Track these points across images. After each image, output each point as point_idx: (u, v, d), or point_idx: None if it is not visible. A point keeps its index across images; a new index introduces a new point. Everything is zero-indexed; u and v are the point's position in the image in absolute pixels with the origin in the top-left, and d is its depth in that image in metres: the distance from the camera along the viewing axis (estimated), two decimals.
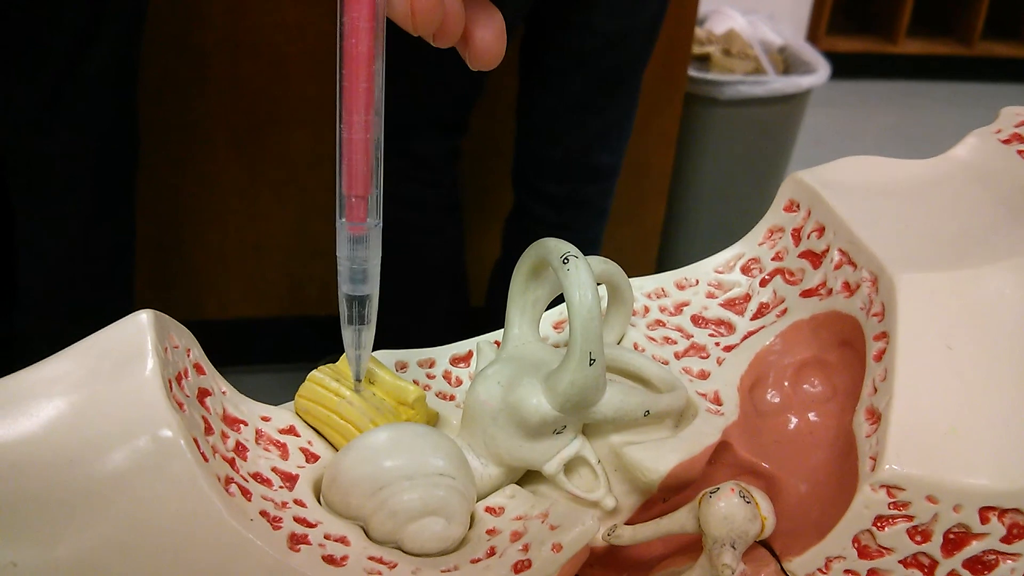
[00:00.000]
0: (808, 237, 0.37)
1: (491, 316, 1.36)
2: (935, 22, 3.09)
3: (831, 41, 2.82)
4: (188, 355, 0.30)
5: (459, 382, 0.36)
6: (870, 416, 0.31)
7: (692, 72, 1.70)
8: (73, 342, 0.27)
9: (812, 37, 2.79)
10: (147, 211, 1.27)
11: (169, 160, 1.33)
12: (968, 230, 0.35)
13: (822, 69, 1.89)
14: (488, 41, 0.30)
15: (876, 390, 0.31)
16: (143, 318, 0.28)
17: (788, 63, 1.99)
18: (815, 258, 0.37)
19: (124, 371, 0.27)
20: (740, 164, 1.83)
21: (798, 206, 0.38)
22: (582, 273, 0.29)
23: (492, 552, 0.29)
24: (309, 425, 0.33)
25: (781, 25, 2.14)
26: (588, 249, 1.30)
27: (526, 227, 1.23)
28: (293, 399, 0.33)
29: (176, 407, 0.27)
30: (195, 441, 0.27)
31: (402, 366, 0.36)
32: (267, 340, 1.51)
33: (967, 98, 3.05)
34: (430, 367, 0.37)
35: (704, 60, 1.88)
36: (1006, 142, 0.39)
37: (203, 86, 1.30)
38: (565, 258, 0.30)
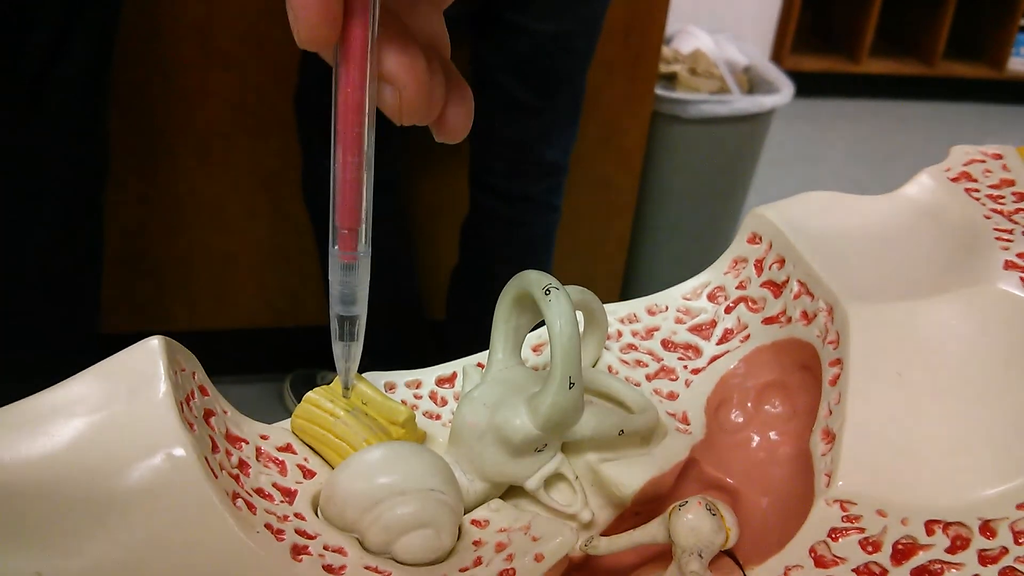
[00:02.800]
0: (769, 268, 0.40)
1: (452, 328, 1.40)
2: (898, 42, 3.16)
3: (795, 60, 2.88)
4: (194, 378, 0.32)
5: (444, 402, 0.39)
6: (825, 436, 0.34)
7: (658, 90, 1.74)
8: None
9: (777, 56, 2.84)
10: (116, 222, 1.28)
11: (138, 171, 1.34)
12: (918, 264, 0.37)
13: (785, 89, 1.93)
14: (460, 119, 0.31)
15: (831, 412, 0.34)
16: (155, 343, 0.30)
17: (753, 82, 2.03)
18: (776, 288, 0.39)
19: (139, 393, 0.29)
20: (705, 181, 1.87)
21: (760, 239, 0.41)
22: (563, 303, 0.32)
23: (479, 562, 0.31)
24: (305, 443, 0.35)
25: (746, 45, 2.18)
26: (541, 244, 1.33)
27: (479, 224, 1.28)
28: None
29: (187, 427, 0.29)
30: (205, 459, 0.29)
31: (391, 387, 0.38)
32: (236, 351, 1.52)
33: (929, 117, 3.11)
34: (417, 388, 0.39)
35: (670, 79, 1.92)
36: (955, 180, 0.42)
37: (171, 97, 1.32)
38: (547, 290, 0.32)
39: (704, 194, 1.88)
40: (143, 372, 0.29)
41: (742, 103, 1.84)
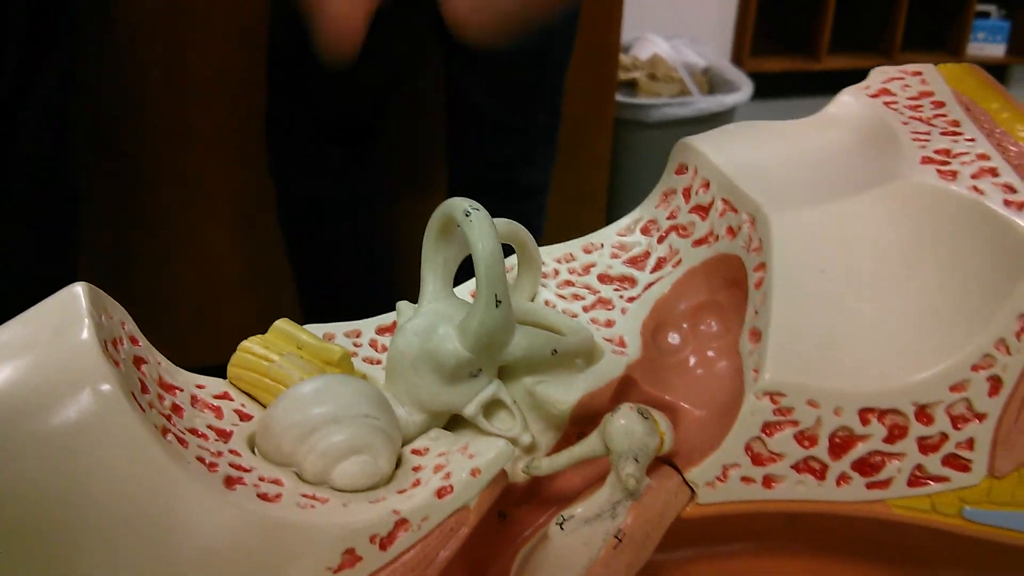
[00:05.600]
0: (696, 193, 0.40)
1: None
2: (856, 37, 3.19)
3: (756, 62, 2.90)
4: (123, 327, 0.32)
5: (384, 349, 0.39)
6: (753, 336, 0.34)
7: (620, 97, 1.75)
8: None
9: (737, 59, 2.87)
10: (94, 259, 1.28)
11: (113, 209, 1.34)
12: (838, 170, 0.38)
13: (745, 87, 1.95)
14: None
15: (757, 313, 0.34)
16: (78, 289, 0.30)
17: (712, 83, 2.05)
18: (703, 211, 0.40)
19: (62, 335, 0.29)
20: None
21: (686, 167, 0.41)
22: (483, 223, 0.32)
23: (417, 483, 0.32)
24: (242, 391, 0.35)
25: (704, 47, 2.21)
26: None
27: None
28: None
29: (112, 364, 0.29)
30: (132, 395, 0.29)
31: (330, 337, 0.39)
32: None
33: None
34: (356, 337, 0.39)
35: (631, 85, 1.94)
36: (874, 96, 0.43)
37: (144, 133, 1.32)
38: (467, 212, 0.32)
39: None
40: (65, 314, 0.29)
41: (703, 103, 1.86)
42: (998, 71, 3.41)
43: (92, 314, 0.30)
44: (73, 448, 0.28)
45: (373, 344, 0.39)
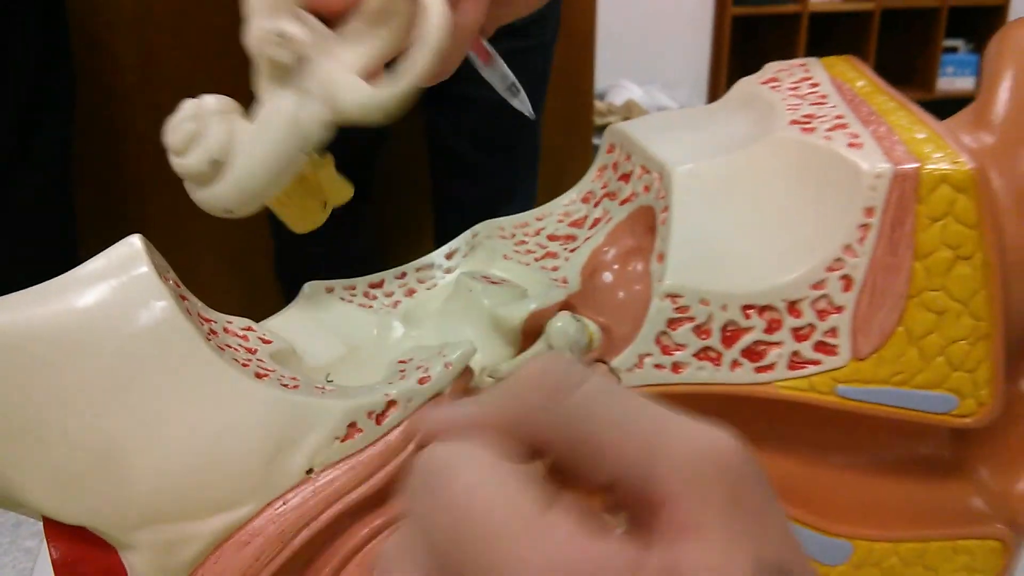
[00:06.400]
0: (621, 164, 0.50)
1: None
2: None
3: None
4: (169, 272, 0.42)
5: (375, 297, 0.48)
6: (659, 258, 0.43)
7: (596, 141, 1.86)
8: None
9: (713, 100, 2.99)
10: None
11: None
12: (730, 134, 0.48)
13: None
14: None
15: (662, 241, 0.44)
16: (135, 239, 0.39)
17: None
18: (626, 176, 0.49)
19: (128, 268, 0.38)
20: None
21: (614, 146, 0.51)
22: None
23: (403, 376, 0.41)
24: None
25: (678, 91, 2.33)
26: None
27: None
28: None
29: (168, 288, 0.38)
30: (186, 310, 0.38)
31: (330, 289, 0.48)
32: None
33: None
34: (352, 290, 0.49)
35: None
36: (764, 83, 0.53)
37: (137, 183, 1.41)
38: None
39: None
40: (129, 255, 0.39)
41: None
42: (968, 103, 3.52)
43: (148, 256, 0.39)
44: (141, 349, 0.37)
45: (366, 295, 0.48)
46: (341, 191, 0.48)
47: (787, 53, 3.12)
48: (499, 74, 0.50)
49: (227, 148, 0.42)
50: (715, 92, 3.01)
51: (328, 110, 0.41)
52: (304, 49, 0.40)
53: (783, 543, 0.23)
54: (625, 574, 0.21)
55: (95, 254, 0.39)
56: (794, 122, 0.46)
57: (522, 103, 0.51)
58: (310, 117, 0.41)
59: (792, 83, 0.52)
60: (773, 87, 0.52)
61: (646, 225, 0.48)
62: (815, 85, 0.51)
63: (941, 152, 0.43)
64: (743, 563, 0.21)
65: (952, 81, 3.55)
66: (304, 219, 0.47)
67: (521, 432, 0.25)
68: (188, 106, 0.42)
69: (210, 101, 0.42)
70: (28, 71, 1.02)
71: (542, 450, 0.25)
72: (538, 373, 0.25)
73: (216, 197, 0.43)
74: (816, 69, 0.54)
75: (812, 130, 0.45)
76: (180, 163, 0.42)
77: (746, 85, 0.52)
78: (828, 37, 3.38)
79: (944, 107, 3.33)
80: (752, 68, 0.55)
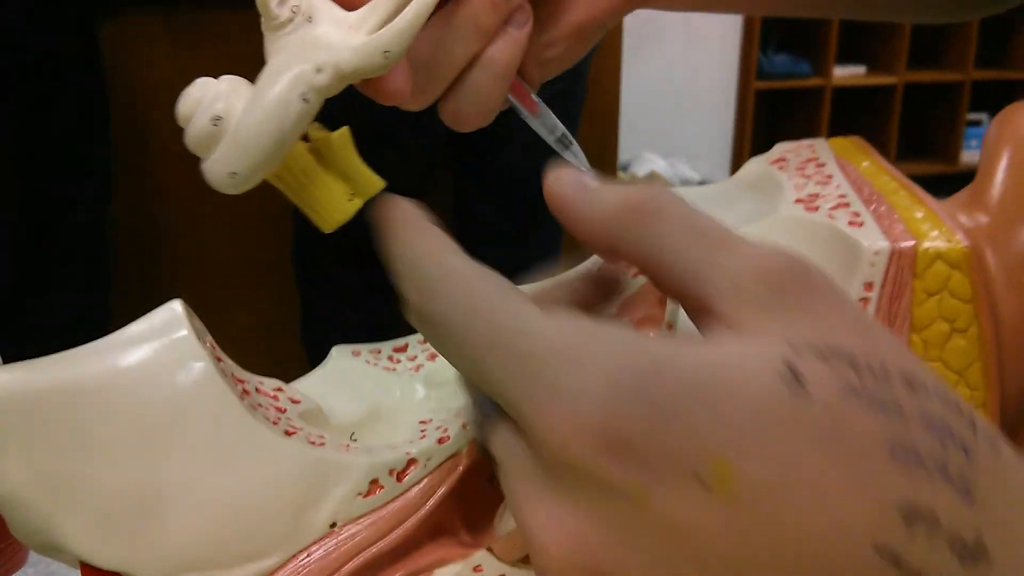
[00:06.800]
0: None
1: None
2: None
3: None
4: (207, 336, 0.44)
5: (398, 361, 0.51)
6: (668, 326, 0.46)
7: None
8: None
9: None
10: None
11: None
12: (736, 210, 0.50)
13: None
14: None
15: (670, 313, 0.46)
16: (176, 304, 0.42)
17: None
18: None
19: (168, 332, 0.41)
20: None
21: None
22: None
23: (423, 436, 0.43)
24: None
25: (700, 163, 2.37)
26: None
27: None
28: None
29: (206, 347, 0.41)
30: (221, 371, 0.41)
31: (356, 353, 0.51)
32: None
33: None
34: (377, 354, 0.51)
35: None
36: (772, 163, 0.55)
37: (169, 256, 1.45)
38: None
39: None
40: (170, 319, 0.42)
41: None
42: None
43: (188, 319, 0.42)
44: (181, 406, 0.40)
45: (390, 358, 0.51)
46: (369, 181, 0.45)
47: (811, 126, 3.16)
48: (548, 126, 0.50)
49: (229, 106, 0.41)
50: (738, 164, 3.04)
51: (329, 55, 0.41)
52: (304, 4, 0.41)
53: (848, 333, 0.26)
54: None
55: (129, 319, 0.41)
56: (799, 200, 0.49)
57: (575, 155, 0.51)
58: (311, 65, 0.41)
59: (799, 163, 0.55)
60: (780, 167, 0.54)
61: (657, 297, 0.50)
62: (821, 165, 0.54)
63: (938, 230, 0.45)
64: (772, 347, 0.25)
65: (975, 154, 3.57)
66: (329, 210, 0.44)
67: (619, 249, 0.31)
68: (198, 81, 0.42)
69: (220, 78, 0.43)
70: (67, 139, 1.07)
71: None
72: (637, 200, 0.30)
73: (219, 159, 0.42)
74: (822, 150, 0.57)
75: (816, 208, 0.47)
76: (187, 132, 0.42)
77: (755, 165, 0.55)
78: (851, 110, 3.41)
79: (967, 179, 3.35)
80: (776, 141, 0.57)
